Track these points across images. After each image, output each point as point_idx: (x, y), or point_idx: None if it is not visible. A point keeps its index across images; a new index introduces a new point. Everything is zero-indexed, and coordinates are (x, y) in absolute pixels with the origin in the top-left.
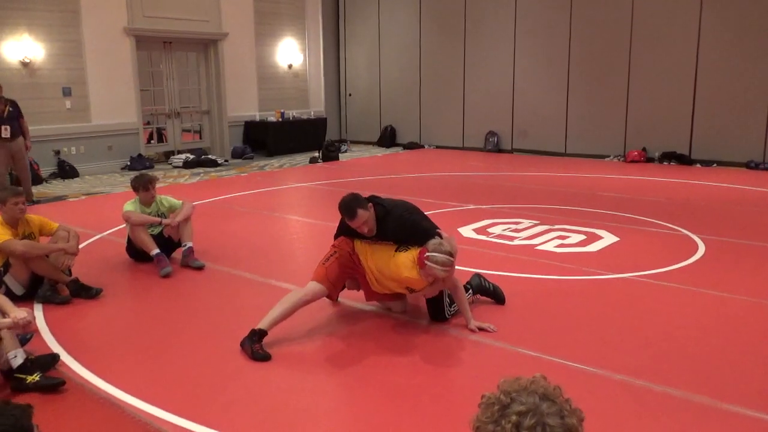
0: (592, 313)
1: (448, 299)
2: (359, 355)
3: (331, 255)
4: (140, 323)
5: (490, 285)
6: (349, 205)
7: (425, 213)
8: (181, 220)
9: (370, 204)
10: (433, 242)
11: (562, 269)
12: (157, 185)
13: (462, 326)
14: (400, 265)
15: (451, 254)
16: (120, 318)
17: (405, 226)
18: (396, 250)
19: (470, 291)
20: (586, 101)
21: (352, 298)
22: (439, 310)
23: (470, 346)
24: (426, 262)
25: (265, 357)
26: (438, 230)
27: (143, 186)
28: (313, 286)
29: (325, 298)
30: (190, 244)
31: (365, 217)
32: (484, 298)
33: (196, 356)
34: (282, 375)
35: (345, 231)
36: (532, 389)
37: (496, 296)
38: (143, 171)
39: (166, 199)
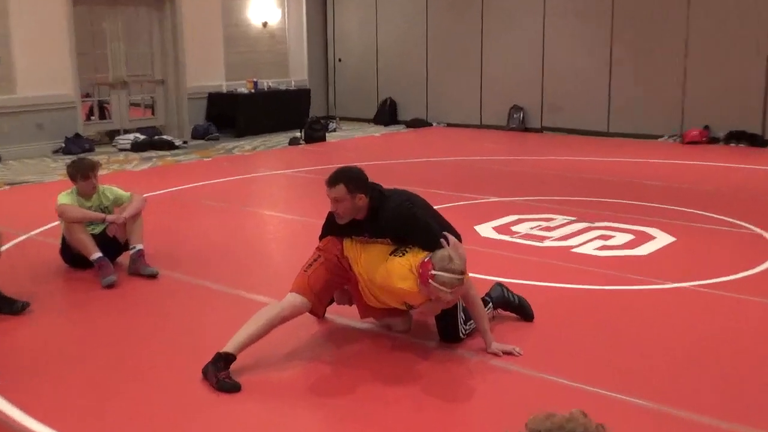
0: (642, 333)
1: (462, 315)
2: (350, 385)
3: (315, 260)
4: (77, 345)
5: (515, 297)
6: (338, 173)
7: (434, 208)
8: (129, 217)
9: (362, 195)
10: (440, 256)
11: (605, 277)
12: (100, 173)
13: (480, 349)
14: (393, 272)
15: (462, 273)
16: (52, 339)
17: (403, 216)
18: (391, 254)
19: (490, 305)
20: (633, 68)
21: (342, 314)
22: (451, 327)
23: (490, 375)
24: (430, 281)
25: (233, 387)
26: (444, 233)
27: (82, 174)
28: (293, 300)
29: (308, 313)
30: (140, 247)
31: (343, 197)
32: (507, 313)
33: (147, 387)
34: (254, 409)
35: (332, 229)
36: (569, 428)
37: (523, 311)
38: (82, 155)
39: (111, 191)
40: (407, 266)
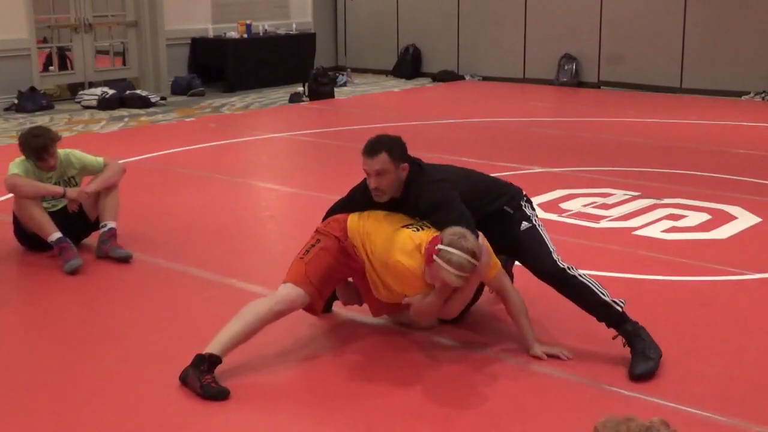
0: (716, 333)
1: (601, 289)
2: (358, 392)
3: (313, 245)
4: (34, 343)
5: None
6: (378, 141)
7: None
8: (96, 191)
9: (405, 165)
10: (452, 231)
11: (674, 266)
12: (61, 139)
13: (518, 351)
14: (397, 244)
15: (474, 254)
16: (3, 336)
17: (437, 198)
18: (404, 225)
19: (622, 302)
20: (713, 12)
21: (347, 307)
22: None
23: (531, 382)
24: (434, 257)
25: (219, 393)
26: (472, 224)
27: (35, 154)
28: (289, 292)
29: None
30: (112, 225)
31: (387, 168)
32: (556, 303)
33: (118, 394)
34: (245, 419)
35: (342, 206)
36: None
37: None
38: (34, 126)
39: (76, 156)
40: (417, 241)
